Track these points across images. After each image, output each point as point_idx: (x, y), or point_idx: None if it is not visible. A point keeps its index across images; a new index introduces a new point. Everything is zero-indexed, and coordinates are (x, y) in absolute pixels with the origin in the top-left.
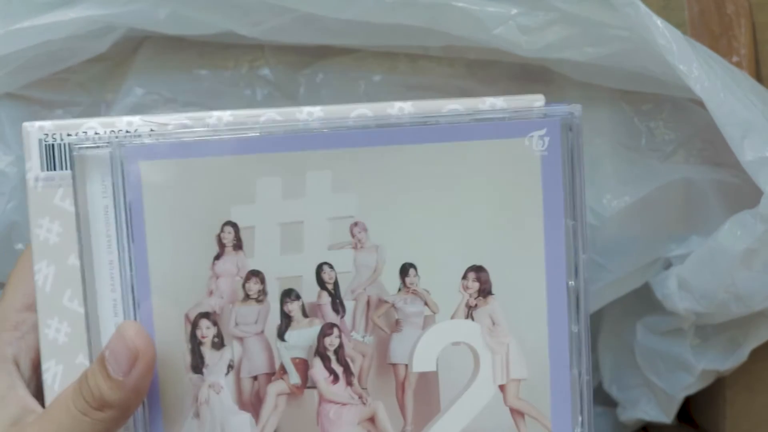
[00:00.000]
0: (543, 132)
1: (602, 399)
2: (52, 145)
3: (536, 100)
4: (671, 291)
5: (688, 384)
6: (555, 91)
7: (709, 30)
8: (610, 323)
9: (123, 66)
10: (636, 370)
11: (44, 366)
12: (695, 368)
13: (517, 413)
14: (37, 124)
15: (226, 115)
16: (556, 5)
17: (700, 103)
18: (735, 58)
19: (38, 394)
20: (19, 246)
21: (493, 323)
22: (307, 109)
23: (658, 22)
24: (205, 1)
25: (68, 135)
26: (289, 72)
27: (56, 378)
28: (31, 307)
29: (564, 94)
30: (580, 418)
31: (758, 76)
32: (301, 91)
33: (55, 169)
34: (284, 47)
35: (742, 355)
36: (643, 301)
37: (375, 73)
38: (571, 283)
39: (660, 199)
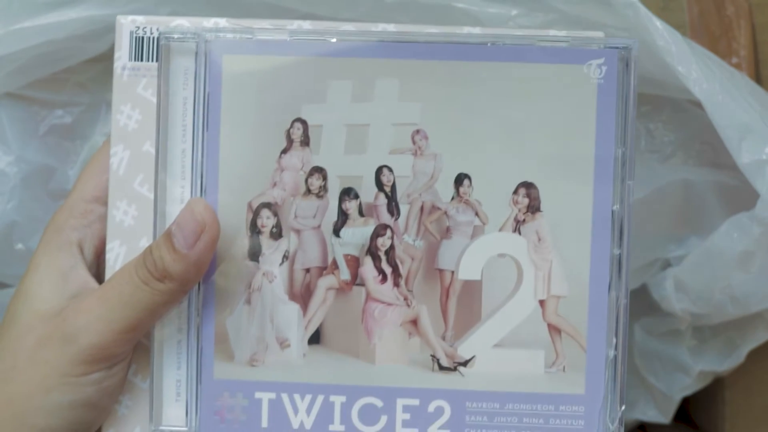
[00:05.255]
0: (601, 61)
1: None
2: (142, 37)
3: (597, 35)
4: (668, 292)
5: (686, 385)
6: None
7: (709, 31)
8: None
9: None
10: (634, 371)
11: (108, 246)
12: (692, 369)
13: (554, 329)
14: (130, 17)
15: (305, 24)
16: (556, 6)
17: (699, 105)
18: (734, 59)
19: (99, 279)
20: (19, 246)
21: (539, 239)
22: (382, 25)
23: (658, 23)
24: (204, 2)
25: (157, 29)
26: None
27: (119, 258)
28: (100, 200)
29: None
30: (614, 340)
31: (758, 77)
32: None
33: (141, 60)
34: None
35: (739, 357)
36: (640, 302)
37: None
38: (616, 207)
39: (659, 200)
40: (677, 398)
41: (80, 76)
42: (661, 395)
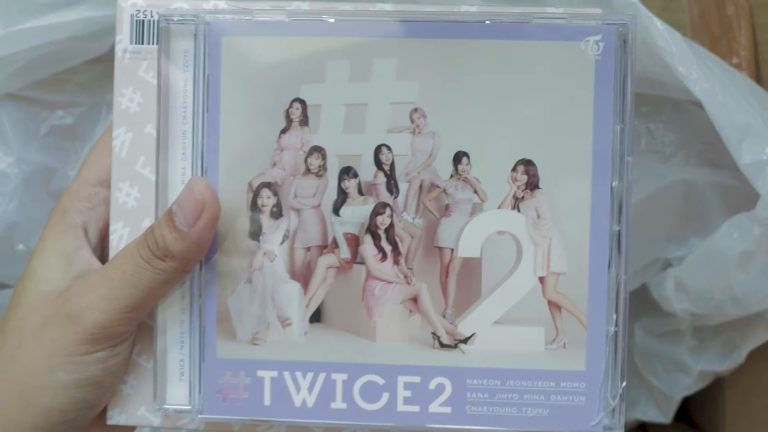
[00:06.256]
0: (599, 37)
1: None
2: (143, 20)
3: (594, 11)
4: (668, 292)
5: (686, 385)
6: None
7: (710, 31)
8: None
9: None
10: (634, 372)
11: (112, 227)
12: (693, 369)
13: (554, 306)
14: (131, 0)
15: (304, 5)
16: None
17: (700, 105)
18: (735, 60)
19: (103, 262)
20: (20, 247)
21: (538, 216)
22: (379, 4)
23: (658, 23)
24: None
25: (157, 12)
26: None
27: (122, 240)
28: (104, 183)
29: None
30: (615, 317)
31: (758, 78)
32: None
33: (142, 43)
34: None
35: (739, 357)
36: (641, 302)
37: None
38: (615, 183)
39: (659, 201)
40: (678, 398)
41: (81, 76)
42: (662, 395)
